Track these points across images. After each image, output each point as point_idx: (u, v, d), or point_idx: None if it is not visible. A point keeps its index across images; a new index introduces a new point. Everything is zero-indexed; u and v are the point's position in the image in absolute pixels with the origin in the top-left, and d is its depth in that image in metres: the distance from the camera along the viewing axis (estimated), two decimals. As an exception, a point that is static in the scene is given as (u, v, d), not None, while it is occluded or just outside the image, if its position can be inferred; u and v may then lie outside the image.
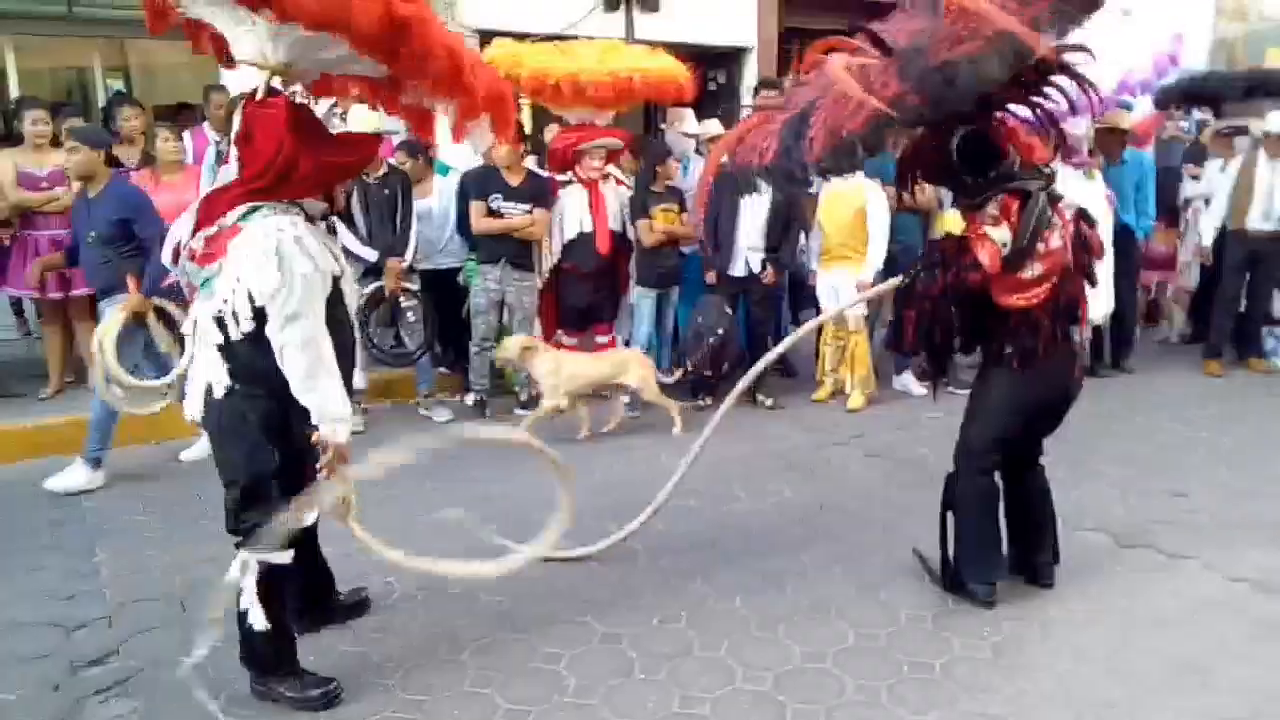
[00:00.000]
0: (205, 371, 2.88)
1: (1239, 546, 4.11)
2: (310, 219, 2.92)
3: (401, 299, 5.78)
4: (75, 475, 4.89)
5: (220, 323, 2.78)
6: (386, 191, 5.71)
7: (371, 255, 5.66)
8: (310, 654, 3.25)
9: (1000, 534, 3.64)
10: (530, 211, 5.94)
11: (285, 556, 2.94)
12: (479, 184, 5.95)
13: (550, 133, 6.81)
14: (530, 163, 6.61)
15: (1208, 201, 7.50)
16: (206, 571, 3.93)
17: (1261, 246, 7.10)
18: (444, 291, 6.28)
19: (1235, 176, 7.17)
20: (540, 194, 6.06)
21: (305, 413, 2.84)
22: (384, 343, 5.83)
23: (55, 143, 5.98)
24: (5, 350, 6.52)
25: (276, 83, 2.87)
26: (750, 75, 8.89)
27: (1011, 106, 3.37)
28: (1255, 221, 7.07)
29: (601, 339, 6.54)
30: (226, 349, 2.82)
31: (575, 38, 6.62)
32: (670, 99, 6.60)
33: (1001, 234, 3.27)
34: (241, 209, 2.79)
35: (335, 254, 2.98)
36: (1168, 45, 6.02)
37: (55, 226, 5.86)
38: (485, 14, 7.59)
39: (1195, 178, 7.92)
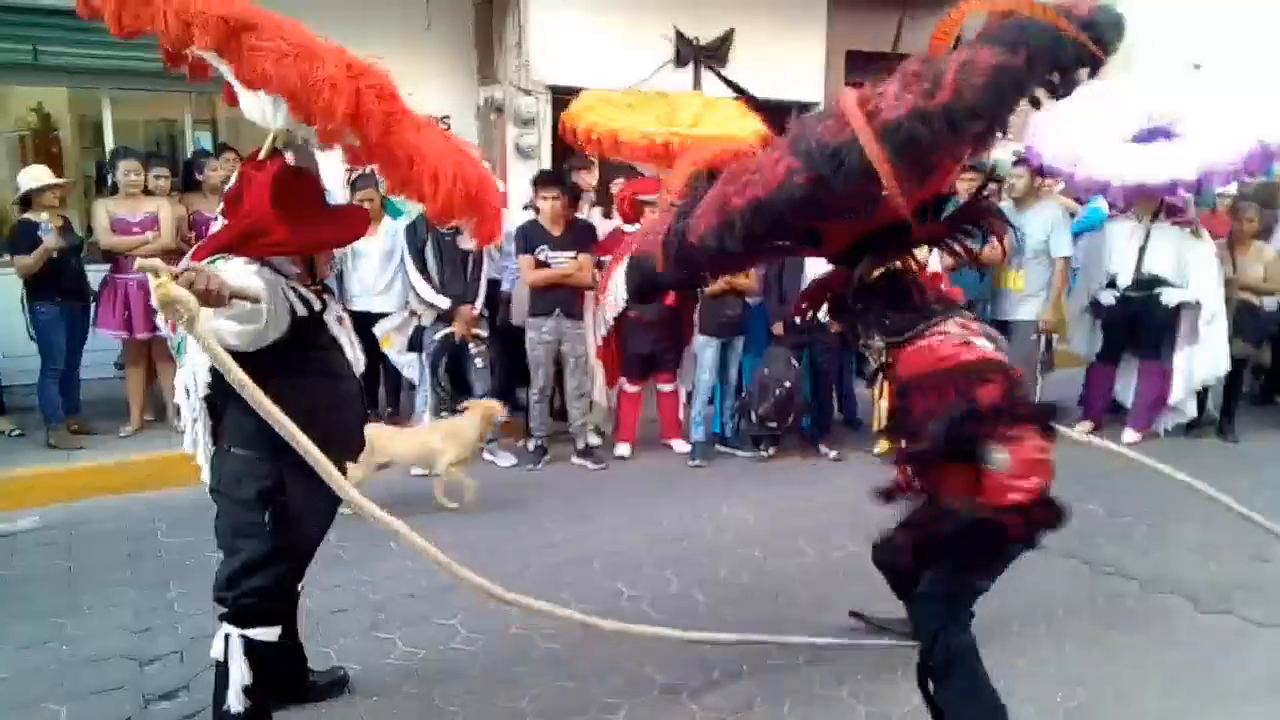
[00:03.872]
0: (203, 430, 2.83)
1: (1328, 616, 3.93)
2: (284, 275, 2.77)
3: (471, 345, 5.88)
4: None
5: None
6: (460, 240, 5.84)
7: (444, 302, 5.79)
8: (375, 695, 3.29)
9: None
10: (575, 258, 6.03)
11: (271, 633, 2.81)
12: (524, 239, 6.07)
13: (616, 186, 6.93)
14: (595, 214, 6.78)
15: None
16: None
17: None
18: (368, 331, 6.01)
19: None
20: (584, 240, 6.15)
21: (305, 477, 2.60)
22: (452, 387, 5.93)
23: (147, 191, 6.26)
24: (94, 390, 6.76)
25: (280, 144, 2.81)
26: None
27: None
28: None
29: (664, 387, 6.56)
30: (211, 405, 2.77)
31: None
32: None
33: (982, 341, 2.82)
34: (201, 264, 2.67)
35: (306, 298, 2.80)
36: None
37: (144, 270, 6.11)
38: (558, 71, 7.77)
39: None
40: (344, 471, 2.99)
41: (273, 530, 2.72)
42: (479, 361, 5.90)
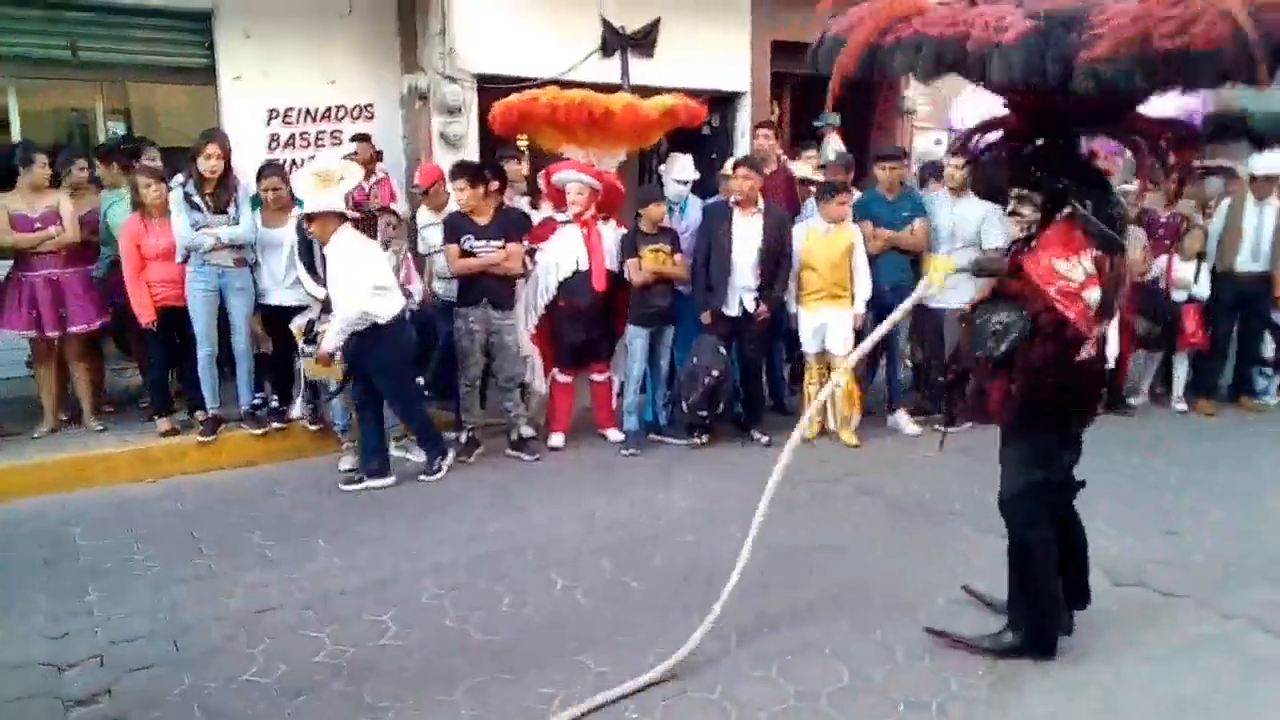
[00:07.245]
0: None
1: (1232, 585, 4.11)
2: None
3: None
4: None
5: None
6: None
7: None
8: (302, 694, 3.25)
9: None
10: (503, 246, 5.99)
11: None
12: (450, 229, 6.01)
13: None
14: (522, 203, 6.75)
15: None
16: (199, 611, 3.93)
17: (1250, 287, 7.19)
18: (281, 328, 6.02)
19: (1224, 218, 7.29)
20: (511, 228, 6.08)
21: None
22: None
23: (55, 183, 6.03)
24: (3, 390, 6.53)
25: None
26: (744, 118, 9.02)
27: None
28: (1244, 263, 7.17)
29: (597, 377, 6.57)
30: None
31: (575, 84, 6.71)
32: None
33: (1094, 295, 3.13)
34: None
35: None
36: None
37: (50, 266, 5.88)
38: (483, 60, 7.69)
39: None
40: None
41: None
42: None
